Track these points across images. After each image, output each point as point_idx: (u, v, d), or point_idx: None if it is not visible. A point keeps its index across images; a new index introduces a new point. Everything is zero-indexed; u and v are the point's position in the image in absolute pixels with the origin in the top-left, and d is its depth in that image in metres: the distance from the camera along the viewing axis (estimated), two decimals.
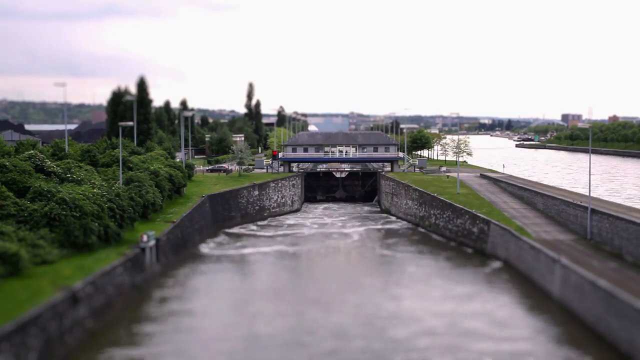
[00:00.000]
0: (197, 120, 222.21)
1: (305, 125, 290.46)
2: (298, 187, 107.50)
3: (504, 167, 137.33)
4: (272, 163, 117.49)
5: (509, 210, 74.38)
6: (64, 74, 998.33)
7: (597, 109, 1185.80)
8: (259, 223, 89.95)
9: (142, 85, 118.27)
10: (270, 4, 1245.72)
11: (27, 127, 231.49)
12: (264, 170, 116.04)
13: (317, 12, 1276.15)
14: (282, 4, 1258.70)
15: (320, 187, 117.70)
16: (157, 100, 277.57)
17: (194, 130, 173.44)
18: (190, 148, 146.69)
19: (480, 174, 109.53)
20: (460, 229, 74.40)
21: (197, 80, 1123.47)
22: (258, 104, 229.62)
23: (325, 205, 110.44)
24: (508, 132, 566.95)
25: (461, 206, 75.44)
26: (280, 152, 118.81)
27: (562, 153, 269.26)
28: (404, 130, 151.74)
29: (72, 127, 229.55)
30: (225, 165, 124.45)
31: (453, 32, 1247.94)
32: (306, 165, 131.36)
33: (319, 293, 54.51)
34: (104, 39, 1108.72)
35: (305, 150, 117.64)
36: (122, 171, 71.89)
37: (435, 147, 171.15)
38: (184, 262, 63.04)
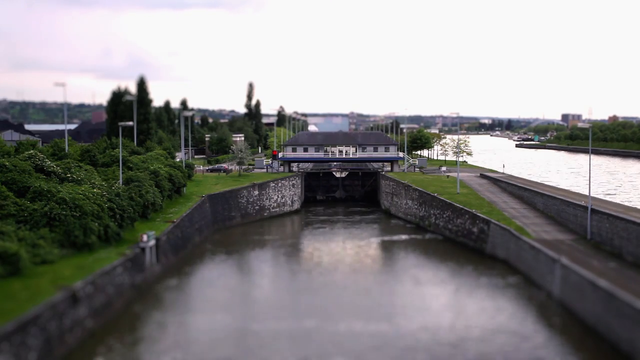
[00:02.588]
0: (197, 120, 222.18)
1: (305, 125, 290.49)
2: (298, 187, 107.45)
3: (503, 167, 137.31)
4: (272, 163, 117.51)
5: (509, 210, 74.35)
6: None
7: (597, 109, 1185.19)
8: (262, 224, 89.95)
9: (142, 85, 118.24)
10: (269, 4, 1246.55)
11: (27, 127, 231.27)
12: (264, 170, 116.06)
13: (317, 12, 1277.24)
14: (282, 3, 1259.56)
15: (320, 187, 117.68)
16: (158, 101, 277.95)
17: (194, 130, 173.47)
18: (190, 148, 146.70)
19: (480, 174, 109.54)
20: (460, 228, 74.37)
21: (197, 80, 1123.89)
22: (258, 104, 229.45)
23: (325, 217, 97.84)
24: (508, 132, 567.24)
25: (461, 206, 75.43)
26: (280, 152, 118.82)
27: (562, 153, 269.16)
28: (404, 130, 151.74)
29: (72, 127, 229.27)
30: (225, 165, 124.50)
31: (453, 32, 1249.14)
32: (306, 165, 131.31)
33: (320, 294, 54.47)
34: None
35: (305, 150, 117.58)
36: (122, 171, 71.90)
37: (435, 147, 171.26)
38: (184, 262, 63.03)
